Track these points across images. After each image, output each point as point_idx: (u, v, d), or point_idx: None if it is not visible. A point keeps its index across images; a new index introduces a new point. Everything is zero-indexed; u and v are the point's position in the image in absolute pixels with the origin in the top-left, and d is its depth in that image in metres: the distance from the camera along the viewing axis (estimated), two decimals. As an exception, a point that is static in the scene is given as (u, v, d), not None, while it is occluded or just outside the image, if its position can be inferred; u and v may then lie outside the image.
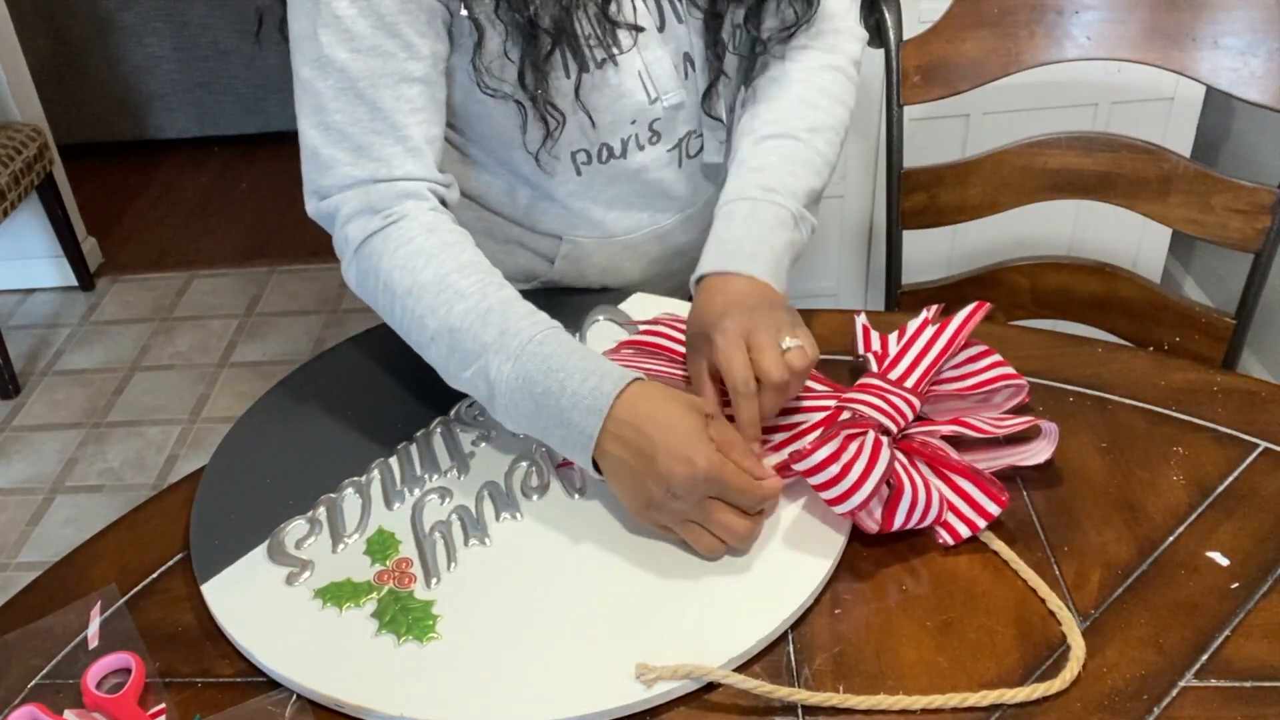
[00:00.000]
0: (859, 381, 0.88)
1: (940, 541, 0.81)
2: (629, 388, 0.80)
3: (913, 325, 0.93)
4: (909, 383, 0.88)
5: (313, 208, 0.93)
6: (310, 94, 0.91)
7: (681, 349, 0.94)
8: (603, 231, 1.06)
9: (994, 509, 0.81)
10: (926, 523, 0.80)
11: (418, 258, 0.88)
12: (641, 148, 1.02)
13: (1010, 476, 0.86)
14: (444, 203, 0.94)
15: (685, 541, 0.80)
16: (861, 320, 0.96)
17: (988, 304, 0.93)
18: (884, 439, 0.81)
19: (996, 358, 0.91)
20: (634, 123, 0.99)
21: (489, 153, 1.03)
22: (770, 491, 0.79)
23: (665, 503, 0.78)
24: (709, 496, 0.77)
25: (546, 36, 0.89)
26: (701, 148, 1.06)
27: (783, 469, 0.83)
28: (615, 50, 0.94)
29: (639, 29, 0.95)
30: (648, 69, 0.96)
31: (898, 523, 0.79)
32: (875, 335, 0.95)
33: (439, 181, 0.94)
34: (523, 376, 0.82)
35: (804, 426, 0.86)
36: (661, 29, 0.97)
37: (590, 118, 0.96)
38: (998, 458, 0.86)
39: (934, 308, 0.95)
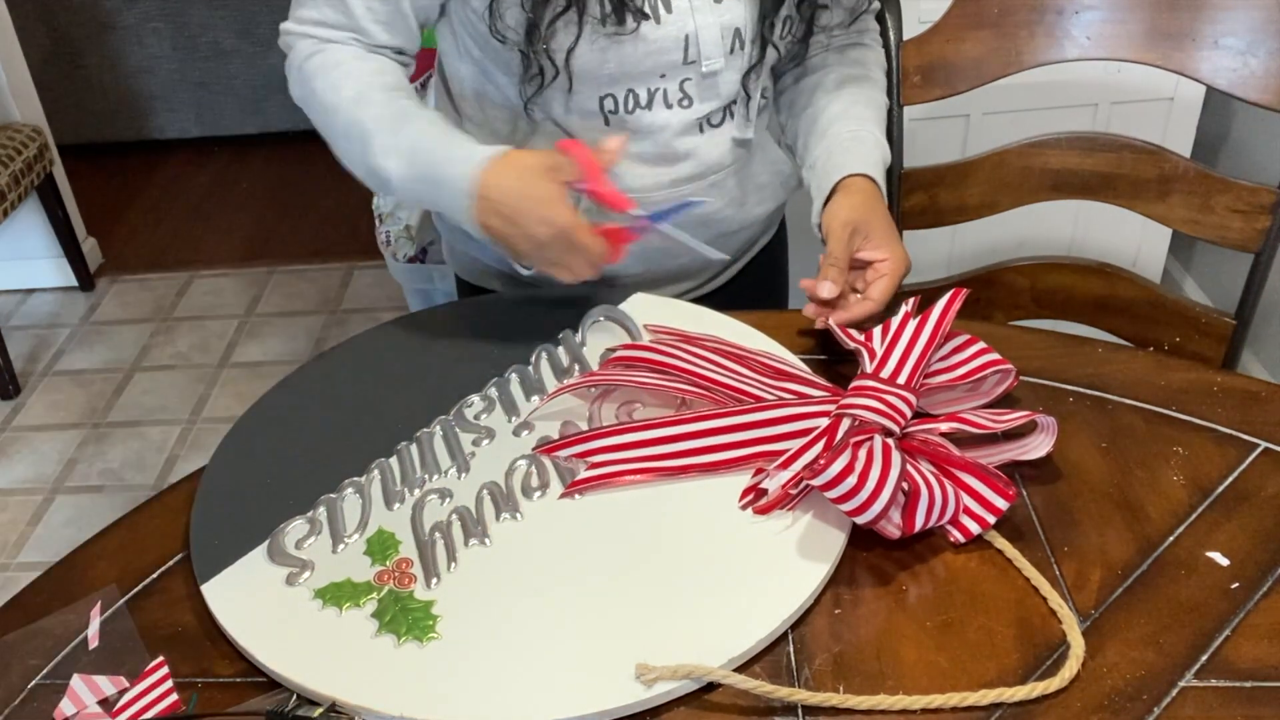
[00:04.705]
0: (853, 384, 0.88)
1: (951, 540, 0.81)
2: (492, 164, 0.93)
3: (895, 320, 0.93)
4: (901, 379, 0.88)
5: (281, 39, 1.06)
6: None
7: (673, 361, 0.94)
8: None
9: (1002, 504, 0.81)
10: (945, 519, 0.80)
11: (345, 78, 1.01)
12: (670, 107, 1.04)
13: (1010, 476, 0.86)
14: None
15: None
16: (831, 325, 0.96)
17: (964, 290, 0.94)
18: (890, 442, 0.81)
19: (981, 345, 0.91)
20: (664, 76, 1.02)
21: (508, 98, 1.06)
22: (604, 256, 0.94)
23: (532, 253, 0.95)
24: (564, 249, 0.93)
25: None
26: (723, 119, 1.08)
27: (797, 483, 0.83)
28: (664, 10, 0.98)
29: None
30: (697, 33, 1.00)
31: (919, 524, 0.79)
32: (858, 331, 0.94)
33: (395, 55, 1.06)
34: (409, 170, 0.97)
35: (808, 439, 0.86)
36: (719, 0, 1.00)
37: (613, 68, 1.00)
38: (997, 453, 0.86)
39: (912, 300, 0.95)
